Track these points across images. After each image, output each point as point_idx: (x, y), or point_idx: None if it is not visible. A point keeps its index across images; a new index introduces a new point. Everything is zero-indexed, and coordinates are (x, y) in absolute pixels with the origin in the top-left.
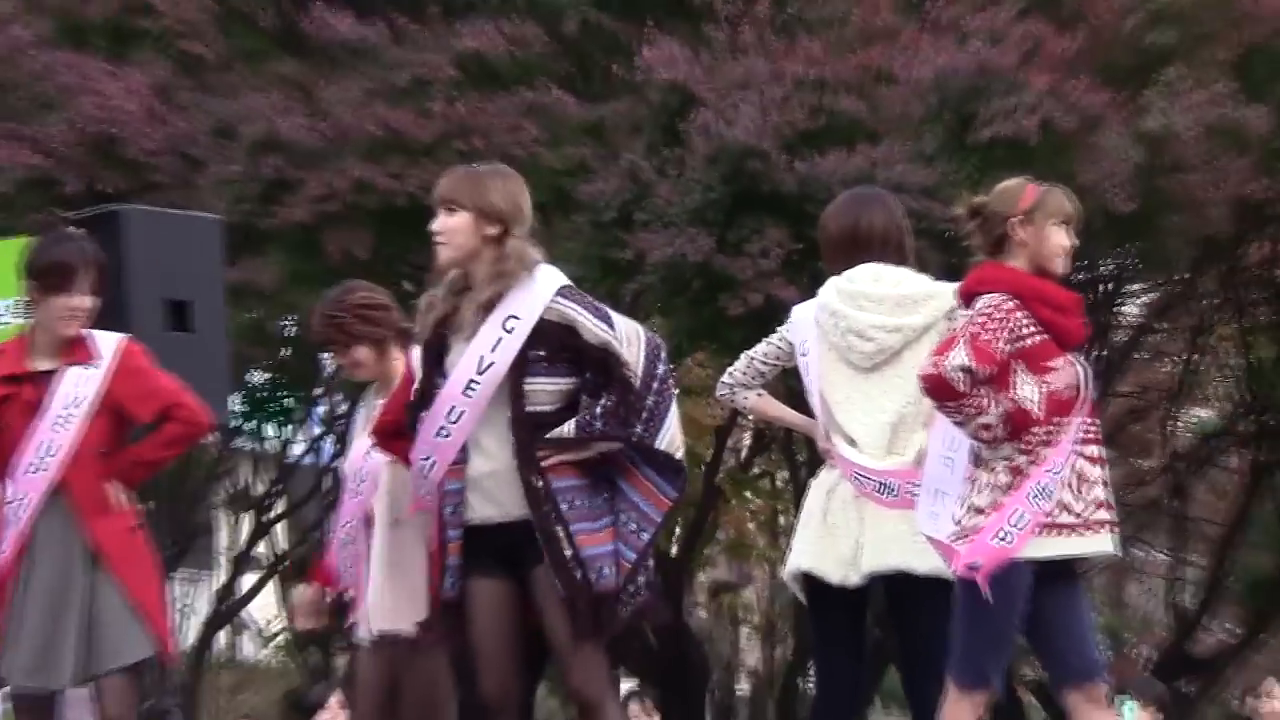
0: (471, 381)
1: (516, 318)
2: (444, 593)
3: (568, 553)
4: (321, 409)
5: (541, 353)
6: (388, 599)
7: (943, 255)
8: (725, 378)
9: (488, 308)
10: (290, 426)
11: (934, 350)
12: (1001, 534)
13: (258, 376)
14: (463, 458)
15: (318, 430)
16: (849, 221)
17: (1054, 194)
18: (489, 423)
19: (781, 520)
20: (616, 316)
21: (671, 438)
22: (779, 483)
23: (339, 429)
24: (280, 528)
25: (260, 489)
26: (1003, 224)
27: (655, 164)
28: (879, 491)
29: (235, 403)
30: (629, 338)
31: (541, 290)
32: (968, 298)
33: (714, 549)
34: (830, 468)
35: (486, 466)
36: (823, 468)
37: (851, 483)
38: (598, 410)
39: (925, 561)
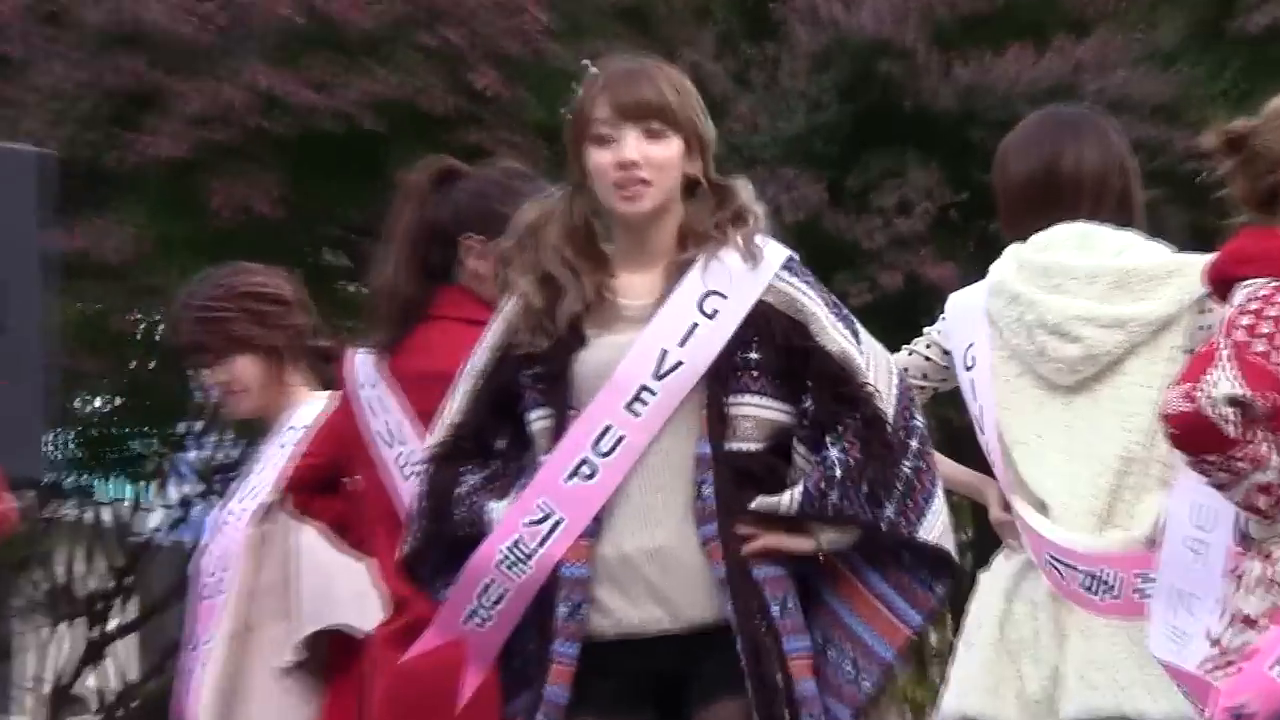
0: (643, 390)
1: (722, 295)
2: None
3: (779, 682)
4: (193, 456)
5: (755, 356)
6: None
7: (1189, 212)
8: None
9: (673, 279)
10: (144, 484)
11: (1182, 374)
12: None
13: (96, 402)
14: (590, 529)
15: (187, 489)
16: (1041, 159)
17: None
18: (652, 465)
19: (933, 638)
20: (860, 326)
21: (943, 528)
22: None
23: (222, 488)
24: (125, 647)
25: (92, 584)
26: (1276, 167)
27: (731, 67)
28: (1089, 589)
29: (57, 444)
30: (877, 360)
31: (765, 260)
32: (1222, 283)
33: None
34: (1010, 553)
35: (647, 541)
36: (998, 554)
37: (1045, 573)
38: (836, 473)
39: (1163, 702)
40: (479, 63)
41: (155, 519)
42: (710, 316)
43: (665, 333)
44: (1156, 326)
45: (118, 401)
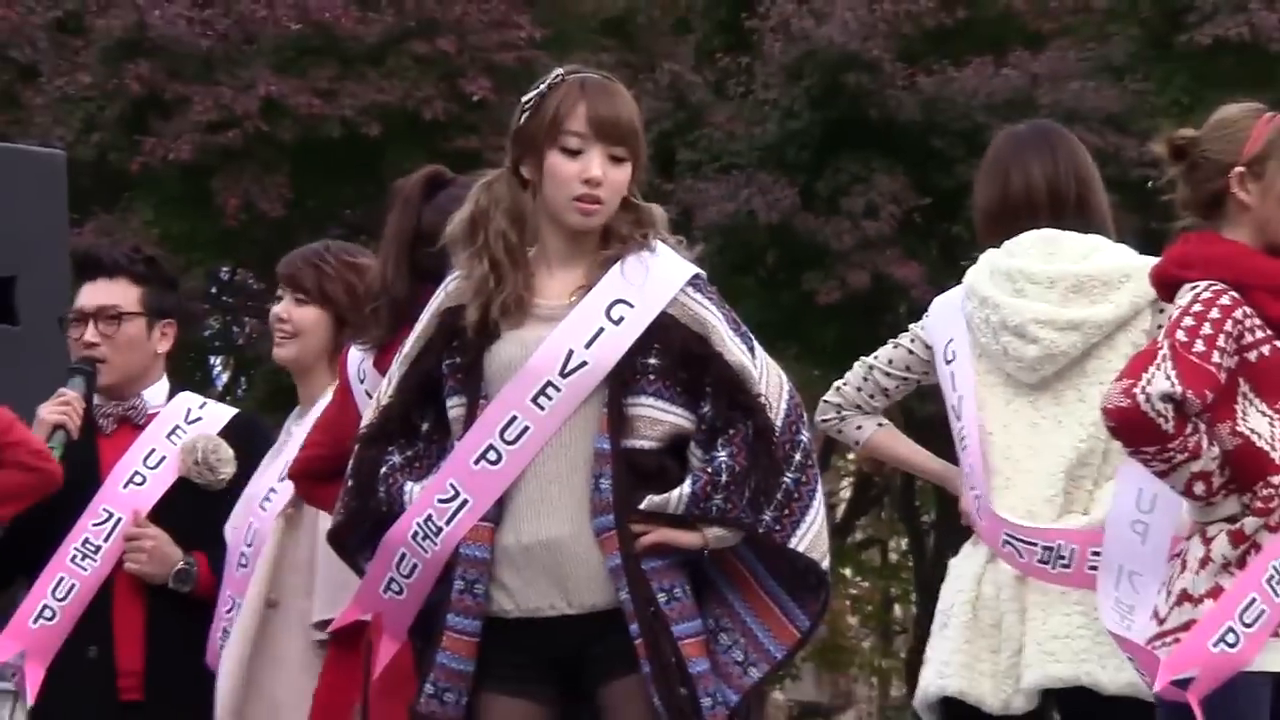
0: (549, 385)
1: (629, 304)
2: (434, 709)
3: (672, 659)
4: None
5: (653, 362)
6: None
7: (1139, 216)
8: (830, 395)
9: (599, 272)
10: None
11: (1124, 370)
12: (1225, 634)
13: None
14: (493, 514)
15: None
16: (996, 184)
17: None
18: (553, 457)
19: (898, 610)
20: (756, 344)
21: (815, 537)
22: (893, 555)
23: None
24: None
25: None
26: (1220, 175)
27: (710, 77)
28: (1044, 561)
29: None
30: (770, 377)
31: (668, 273)
32: (1166, 285)
33: (797, 656)
34: (978, 539)
35: (545, 530)
36: (968, 542)
37: (1001, 555)
38: (722, 478)
39: (1117, 673)
40: (472, 72)
41: None
42: (616, 323)
43: (574, 334)
44: (1111, 328)
45: None
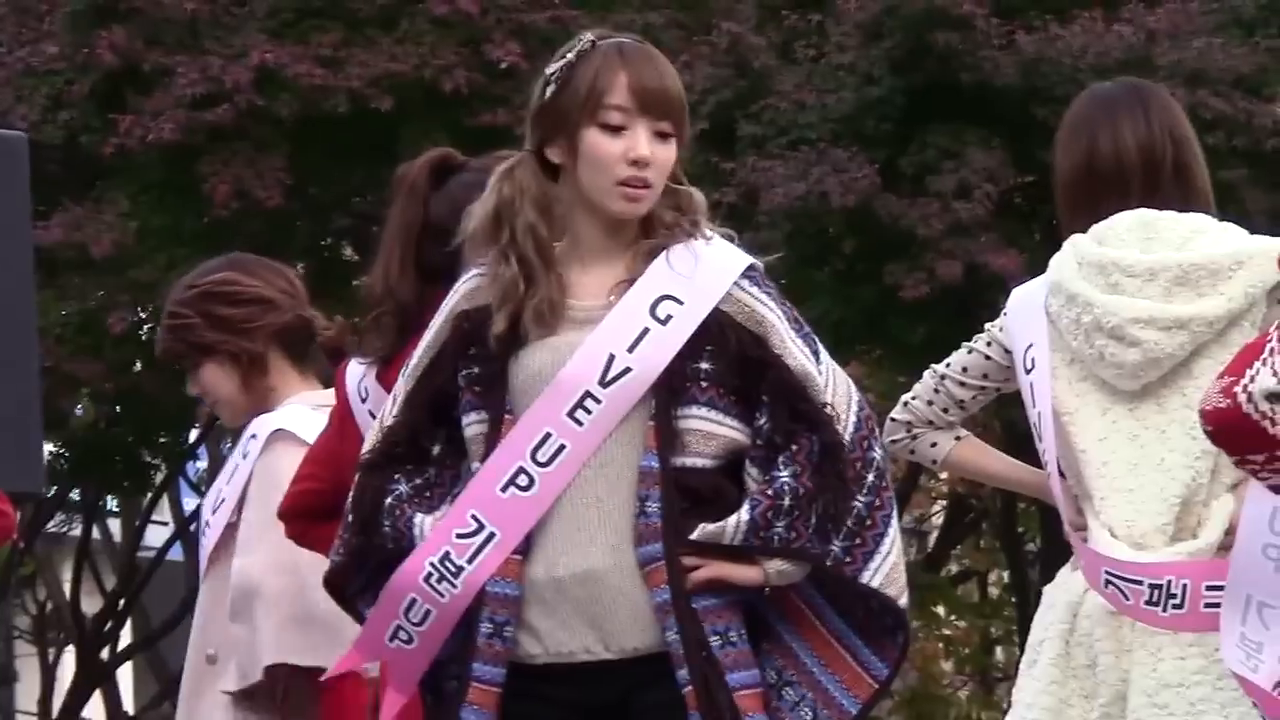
0: (587, 397)
1: (678, 300)
2: None
3: (727, 714)
4: (201, 466)
5: (706, 367)
6: None
7: (1272, 194)
8: (899, 412)
9: (643, 263)
10: (147, 496)
11: (1227, 367)
12: None
13: (88, 411)
14: (522, 546)
15: (191, 503)
16: (1080, 148)
17: None
18: (590, 478)
19: (999, 653)
20: (821, 347)
21: (890, 570)
22: (993, 589)
23: None
24: (126, 673)
25: (94, 605)
26: None
27: (775, 38)
28: (1153, 602)
29: (46, 455)
30: (837, 384)
31: (721, 264)
32: None
33: (884, 701)
34: (1075, 564)
35: (580, 560)
36: (1066, 565)
37: (1104, 594)
38: (784, 502)
39: None
40: (498, 35)
41: (158, 536)
42: (663, 322)
43: (615, 336)
44: (1222, 324)
45: (112, 409)
